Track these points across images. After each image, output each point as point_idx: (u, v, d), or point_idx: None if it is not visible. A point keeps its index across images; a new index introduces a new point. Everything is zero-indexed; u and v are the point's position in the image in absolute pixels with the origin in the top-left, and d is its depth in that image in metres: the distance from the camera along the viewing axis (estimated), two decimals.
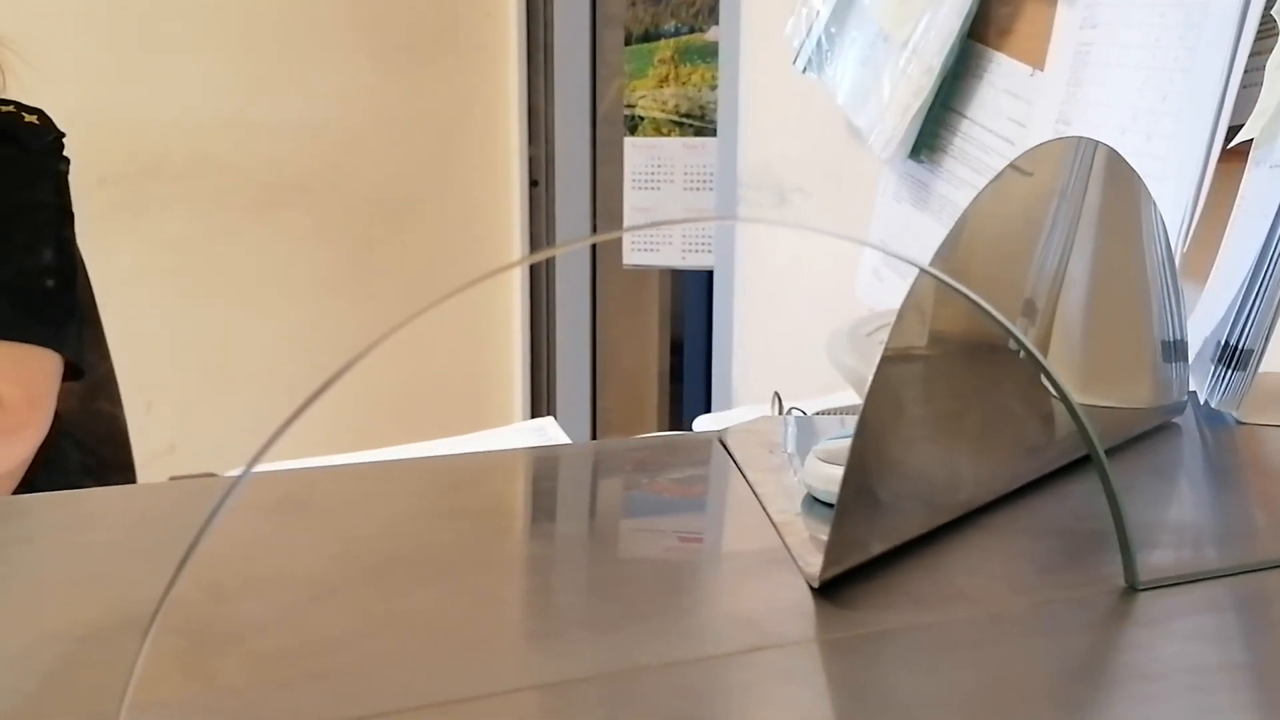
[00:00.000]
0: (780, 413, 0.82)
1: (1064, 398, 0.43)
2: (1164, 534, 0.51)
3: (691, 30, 2.19)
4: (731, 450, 0.63)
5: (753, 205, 1.71)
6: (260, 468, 0.32)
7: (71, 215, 1.13)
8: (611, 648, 0.39)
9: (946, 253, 0.48)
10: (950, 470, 0.53)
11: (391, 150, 2.64)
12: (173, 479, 1.22)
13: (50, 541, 0.52)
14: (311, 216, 2.60)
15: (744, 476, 0.58)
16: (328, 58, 2.55)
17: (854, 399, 0.78)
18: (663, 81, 2.22)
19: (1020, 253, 0.56)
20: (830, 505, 0.52)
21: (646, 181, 2.24)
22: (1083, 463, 0.58)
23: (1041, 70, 1.07)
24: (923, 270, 0.42)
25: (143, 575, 0.47)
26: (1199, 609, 0.43)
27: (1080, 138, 0.58)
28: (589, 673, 0.38)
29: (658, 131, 2.22)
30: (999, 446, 0.56)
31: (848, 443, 0.45)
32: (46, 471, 1.11)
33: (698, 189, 2.20)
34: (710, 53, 2.13)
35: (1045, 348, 0.58)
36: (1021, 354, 0.54)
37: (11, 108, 1.10)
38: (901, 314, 0.46)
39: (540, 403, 2.81)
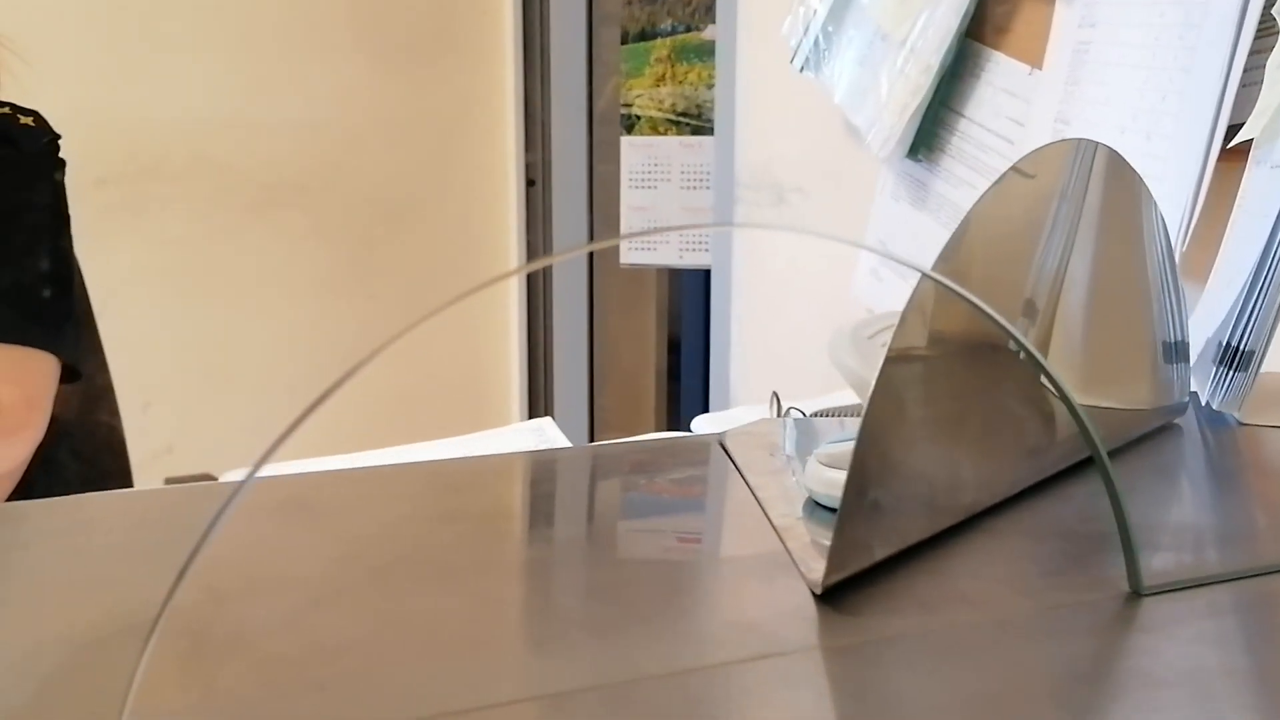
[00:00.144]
0: (779, 413, 0.82)
1: (1067, 401, 0.42)
2: (1167, 537, 0.51)
3: (688, 29, 2.19)
4: (732, 453, 0.63)
5: (750, 204, 1.71)
6: (260, 472, 0.31)
7: (68, 218, 1.13)
8: (614, 655, 0.39)
9: (949, 255, 0.48)
10: (953, 473, 0.53)
11: (389, 150, 2.64)
12: (169, 481, 1.22)
13: (49, 547, 0.52)
14: (310, 216, 2.59)
15: (744, 480, 0.58)
16: (326, 58, 2.55)
17: (852, 398, 0.78)
18: (659, 80, 2.22)
19: (1021, 255, 0.56)
20: (831, 509, 0.52)
21: (643, 180, 2.24)
22: (1085, 464, 0.58)
23: (1040, 69, 1.07)
24: (924, 274, 0.42)
25: (142, 580, 0.47)
26: (1203, 614, 0.43)
27: (1081, 139, 0.58)
28: (592, 681, 0.37)
29: (654, 130, 2.22)
30: (1002, 449, 0.56)
31: (848, 446, 0.44)
32: (44, 479, 1.11)
33: (695, 188, 2.20)
34: (707, 51, 2.13)
35: (1046, 349, 0.58)
36: (1022, 356, 0.54)
37: (7, 109, 1.10)
38: (904, 317, 0.46)
39: (538, 402, 2.81)
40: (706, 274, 1.99)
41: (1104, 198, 0.60)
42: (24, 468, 1.06)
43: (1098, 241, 0.60)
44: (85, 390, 1.26)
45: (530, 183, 2.71)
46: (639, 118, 2.24)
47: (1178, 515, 0.57)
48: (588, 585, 0.48)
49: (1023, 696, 0.37)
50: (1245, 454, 0.67)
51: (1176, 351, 0.68)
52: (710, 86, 2.11)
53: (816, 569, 0.45)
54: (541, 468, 0.65)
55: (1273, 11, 0.78)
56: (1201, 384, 0.72)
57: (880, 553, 0.46)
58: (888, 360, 0.45)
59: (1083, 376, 0.61)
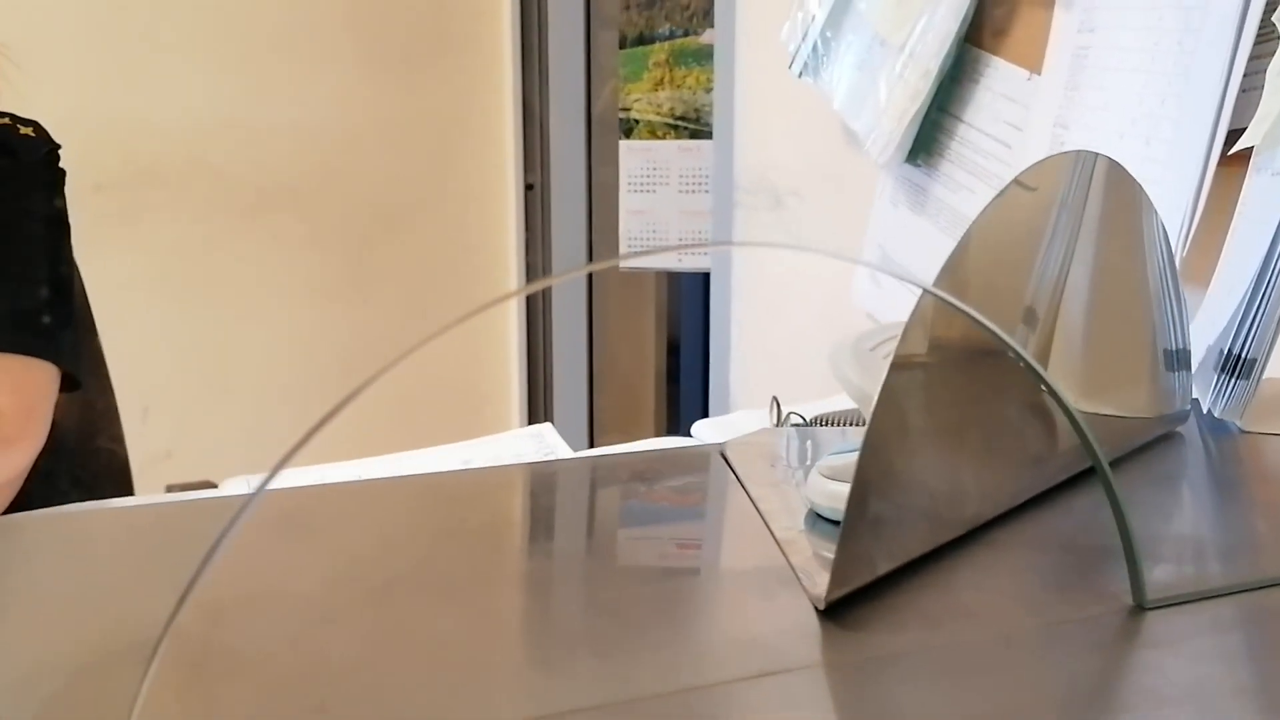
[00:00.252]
0: (779, 418, 0.82)
1: (1069, 414, 0.42)
2: (1170, 548, 0.51)
3: (686, 33, 2.19)
4: (733, 464, 0.62)
5: (749, 209, 1.71)
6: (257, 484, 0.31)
7: (68, 227, 1.13)
8: (616, 674, 0.39)
9: (952, 269, 0.48)
10: (956, 486, 0.52)
11: (387, 154, 2.63)
12: (169, 488, 1.21)
13: (50, 563, 0.51)
14: (308, 221, 2.59)
15: (746, 492, 0.58)
16: (323, 62, 2.54)
17: (851, 404, 0.78)
18: (657, 84, 2.21)
19: (1022, 265, 0.56)
20: (834, 522, 0.52)
21: (642, 184, 2.23)
22: (1088, 474, 0.58)
23: (1039, 74, 1.07)
24: (925, 290, 0.42)
25: (143, 598, 0.47)
26: (1207, 629, 0.42)
27: (1081, 150, 0.58)
28: (594, 700, 0.37)
29: (653, 134, 2.22)
30: (1005, 461, 0.56)
31: (850, 458, 0.44)
32: (43, 499, 1.11)
33: (693, 192, 2.20)
34: (705, 55, 2.13)
35: (1047, 358, 0.58)
36: (1023, 366, 0.54)
37: (7, 120, 1.09)
38: (907, 331, 0.46)
39: (537, 406, 2.81)
40: (705, 277, 1.99)
41: (1104, 207, 0.60)
42: (23, 478, 1.06)
43: (1098, 250, 0.60)
44: (86, 414, 1.26)
45: (528, 187, 2.71)
46: (637, 122, 2.23)
47: (1180, 526, 0.57)
48: (589, 601, 0.48)
49: (1027, 715, 0.37)
50: (1248, 463, 0.66)
51: (1178, 359, 0.68)
52: (708, 91, 2.11)
53: (820, 583, 0.45)
54: (542, 480, 0.64)
55: (1274, 19, 0.78)
56: (1203, 392, 0.72)
57: (883, 567, 0.46)
58: (890, 374, 0.44)
59: (1084, 385, 0.61)
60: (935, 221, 1.23)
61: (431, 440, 0.92)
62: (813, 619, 0.43)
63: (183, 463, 2.47)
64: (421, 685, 0.38)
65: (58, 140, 1.12)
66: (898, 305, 1.29)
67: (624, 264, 2.31)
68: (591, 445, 2.65)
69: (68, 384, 1.10)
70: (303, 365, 2.60)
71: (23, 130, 1.10)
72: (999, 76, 1.13)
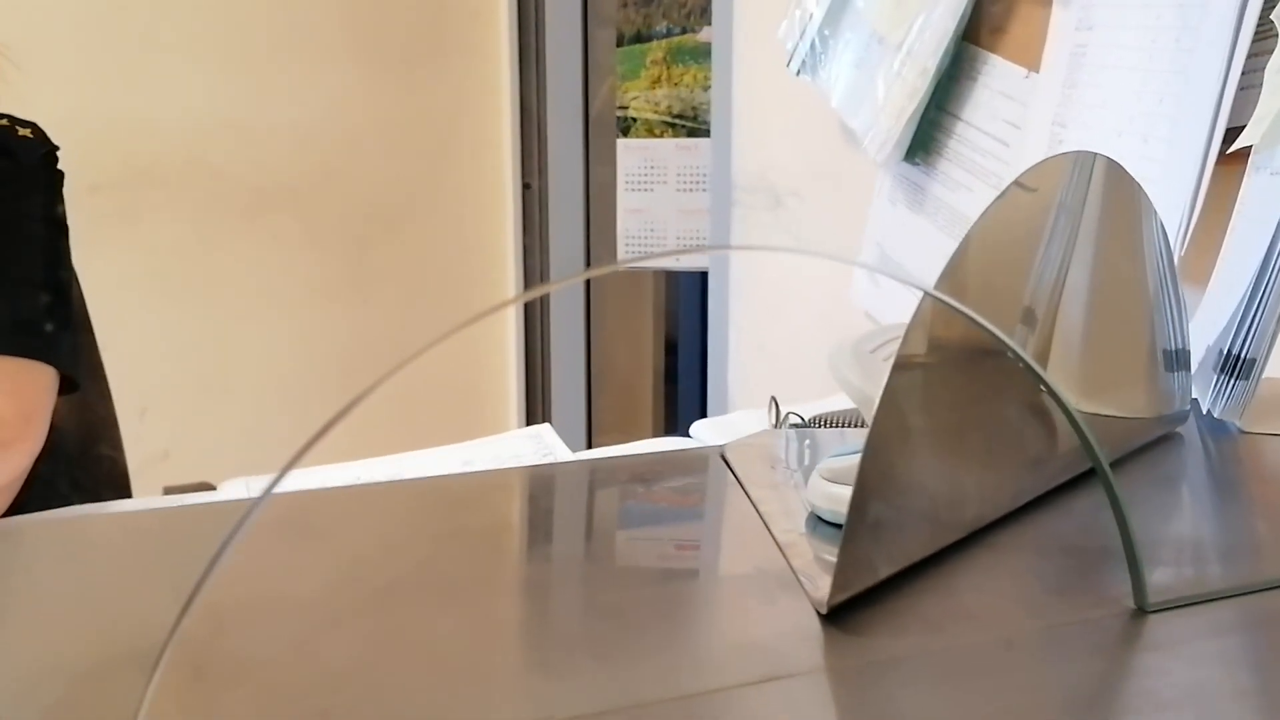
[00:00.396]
0: (777, 419, 0.82)
1: (1070, 416, 0.42)
2: (1171, 551, 0.51)
3: (683, 31, 2.19)
4: (733, 466, 0.62)
5: (747, 207, 1.71)
6: (260, 486, 0.31)
7: (66, 229, 1.12)
8: (618, 679, 0.39)
9: (952, 272, 0.48)
10: (957, 488, 0.52)
11: (384, 154, 2.63)
12: (167, 490, 1.21)
13: (51, 569, 0.51)
14: (305, 221, 2.59)
15: (747, 494, 0.58)
16: (320, 62, 2.54)
17: (850, 403, 0.78)
18: (655, 83, 2.21)
19: (1022, 267, 0.56)
20: (835, 525, 0.52)
21: (640, 183, 2.23)
22: (1088, 475, 0.58)
23: (1037, 72, 1.07)
24: (926, 293, 0.42)
25: (144, 604, 0.47)
26: (1209, 632, 0.42)
27: (1080, 151, 0.58)
28: (595, 707, 0.37)
29: (650, 133, 2.22)
30: (1006, 463, 0.56)
31: (851, 461, 0.44)
32: (42, 506, 1.10)
33: (691, 190, 2.20)
34: (702, 54, 2.13)
35: (1046, 358, 0.58)
36: (1023, 367, 0.53)
37: (5, 121, 1.09)
38: (908, 333, 0.46)
39: (536, 406, 2.81)
40: (703, 276, 1.99)
41: (1103, 208, 0.60)
42: (21, 481, 1.06)
43: (1097, 251, 0.60)
44: (86, 420, 1.26)
45: (526, 186, 2.71)
46: (635, 120, 2.23)
47: (1181, 528, 0.57)
48: (590, 605, 0.48)
49: (1029, 718, 0.37)
50: (1247, 463, 0.66)
51: (1177, 359, 0.68)
52: (706, 89, 2.11)
53: (821, 587, 0.45)
54: (541, 483, 0.64)
55: (1272, 18, 0.78)
56: (1202, 392, 0.72)
57: (885, 570, 0.46)
58: (892, 376, 0.44)
59: (1083, 386, 0.61)
60: (934, 220, 1.23)
61: (431, 441, 0.92)
62: (814, 623, 0.43)
63: (180, 463, 2.47)
64: (423, 690, 0.38)
65: (56, 141, 1.12)
66: (896, 305, 1.29)
67: (624, 265, 2.31)
68: (590, 446, 2.66)
69: (66, 386, 1.10)
70: (301, 366, 2.60)
71: (21, 132, 1.09)
72: (997, 74, 1.13)
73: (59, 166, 1.12)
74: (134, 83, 2.40)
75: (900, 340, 0.45)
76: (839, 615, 0.43)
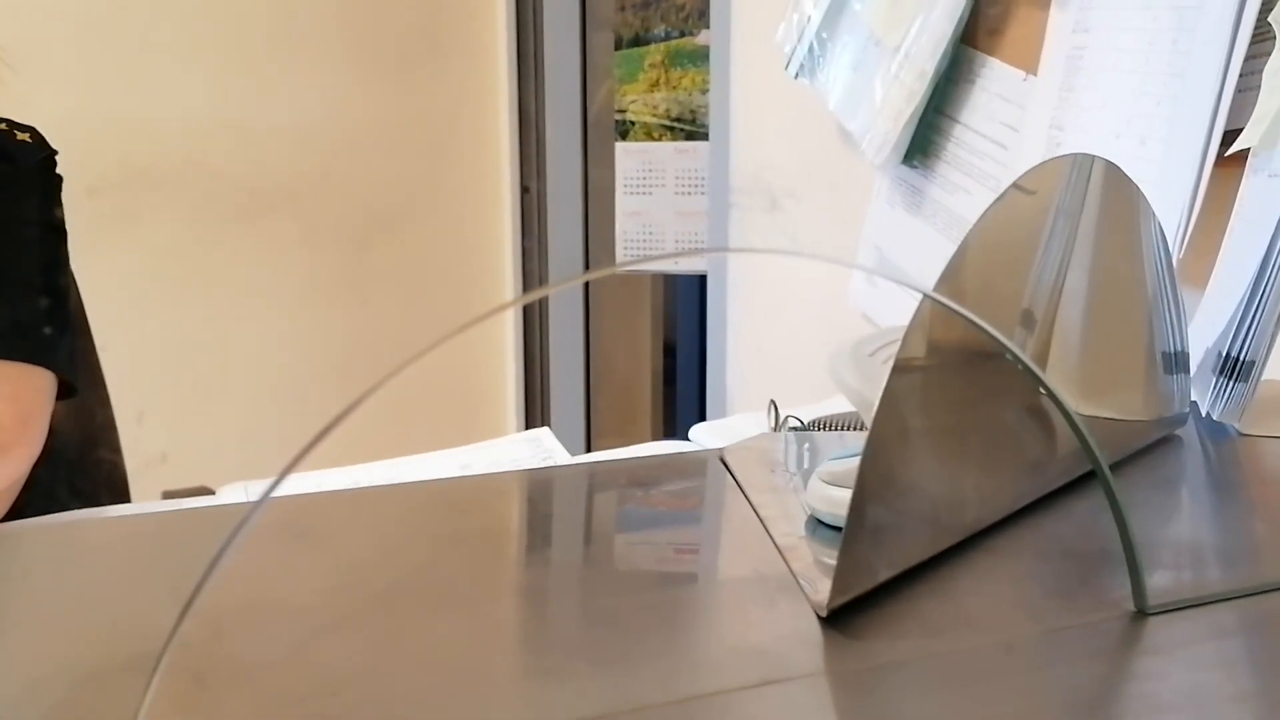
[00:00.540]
0: (776, 422, 0.82)
1: (1070, 419, 0.42)
2: (1170, 553, 0.51)
3: (681, 34, 2.19)
4: (732, 469, 0.62)
5: (745, 210, 1.71)
6: (259, 490, 0.31)
7: (64, 233, 1.12)
8: (617, 684, 0.39)
9: (951, 275, 0.48)
10: (957, 491, 0.52)
11: (382, 156, 2.63)
12: (165, 494, 1.21)
13: (49, 574, 0.51)
14: (303, 223, 2.59)
15: (746, 498, 0.58)
16: (318, 63, 2.54)
17: (849, 406, 0.78)
18: (653, 86, 2.21)
19: (1021, 270, 0.56)
20: (834, 528, 0.52)
21: (638, 186, 2.23)
22: (1087, 478, 0.58)
23: (1034, 75, 1.07)
24: (925, 295, 0.42)
25: (143, 609, 0.46)
26: (1209, 634, 0.42)
27: (1078, 154, 0.58)
28: (595, 711, 0.37)
29: (649, 136, 2.22)
30: (1006, 466, 0.56)
31: (850, 464, 0.44)
32: (42, 510, 1.10)
33: (689, 193, 2.20)
34: (701, 57, 2.13)
35: (1045, 361, 0.58)
36: (1021, 369, 0.53)
37: (3, 125, 1.09)
38: (907, 336, 0.45)
39: (534, 408, 2.80)
40: (702, 279, 1.99)
41: (1102, 210, 0.60)
42: (20, 485, 1.06)
43: (1096, 254, 0.60)
44: (85, 425, 1.26)
45: (524, 189, 2.71)
46: (633, 123, 2.23)
47: (1180, 530, 0.57)
48: (589, 610, 0.48)
49: None
50: (1246, 466, 0.66)
51: (1176, 362, 0.68)
52: (704, 92, 2.11)
53: (821, 590, 0.45)
54: (540, 487, 0.64)
55: (1269, 19, 0.78)
56: (1201, 395, 0.72)
57: (885, 573, 0.46)
58: (891, 379, 0.44)
59: (1082, 388, 0.61)
60: (932, 222, 1.23)
61: (429, 445, 0.92)
62: (814, 626, 0.43)
63: (178, 466, 2.46)
64: (422, 694, 0.38)
65: (53, 143, 1.12)
66: (894, 307, 1.29)
67: (622, 269, 2.31)
68: (589, 449, 2.65)
69: (64, 391, 1.10)
70: (299, 368, 2.60)
71: (20, 136, 1.09)
72: (995, 77, 1.13)
73: (57, 171, 1.12)
74: (131, 84, 2.40)
75: (899, 343, 0.45)
76: (838, 619, 0.43)
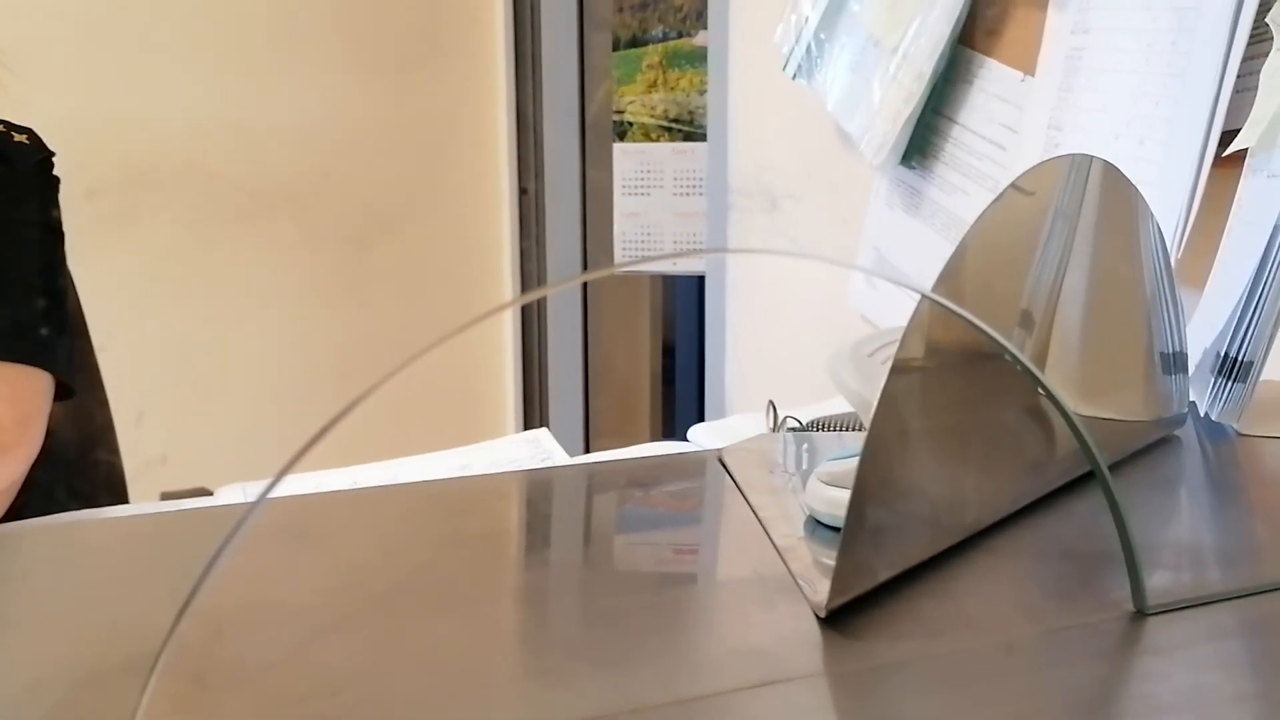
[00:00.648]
0: (775, 422, 0.82)
1: (1069, 419, 0.42)
2: (1169, 554, 0.51)
3: (679, 35, 2.19)
4: (731, 470, 0.62)
5: (743, 211, 1.71)
6: (257, 491, 0.31)
7: (62, 235, 1.12)
8: (617, 685, 0.39)
9: (949, 276, 0.48)
10: (956, 492, 0.52)
11: (380, 158, 2.63)
12: (164, 495, 1.21)
13: (48, 574, 0.51)
14: (302, 225, 2.59)
15: (745, 499, 0.58)
16: (317, 65, 2.54)
17: (848, 406, 0.78)
18: (651, 87, 2.21)
19: (1020, 271, 0.56)
20: (833, 528, 0.52)
21: (636, 187, 2.23)
22: (1086, 479, 0.58)
23: (1033, 76, 1.07)
24: (924, 296, 0.42)
25: (142, 609, 0.46)
26: (1209, 635, 0.42)
27: (1077, 154, 0.58)
28: (594, 712, 0.37)
29: (647, 137, 2.22)
30: (1005, 466, 0.56)
31: (849, 464, 0.44)
32: (40, 512, 1.10)
33: (687, 194, 2.20)
34: (698, 57, 2.13)
35: (1043, 362, 0.58)
36: (1020, 369, 0.53)
37: (1, 127, 1.09)
38: (905, 337, 0.46)
39: (533, 409, 2.80)
40: (700, 279, 1.99)
41: (1100, 211, 0.60)
42: (18, 486, 1.06)
43: (1094, 254, 0.60)
44: (84, 427, 1.25)
45: (523, 190, 2.71)
46: (631, 124, 2.23)
47: (1179, 531, 0.57)
48: (588, 610, 0.48)
49: None
50: (1245, 466, 0.66)
51: (1175, 362, 0.68)
52: (702, 93, 2.11)
53: (820, 591, 0.45)
54: (539, 487, 0.64)
55: (1267, 20, 0.78)
56: (1200, 395, 0.72)
57: (884, 574, 0.46)
58: (890, 379, 0.44)
59: (1081, 389, 0.61)
60: (930, 223, 1.23)
61: (427, 446, 0.92)
62: (813, 627, 0.43)
63: (177, 467, 2.46)
64: (421, 695, 0.38)
65: (52, 145, 1.12)
66: (893, 307, 1.29)
67: (620, 269, 2.31)
68: (587, 450, 2.65)
69: (62, 392, 1.10)
70: (298, 369, 2.60)
71: (17, 138, 1.09)
72: (993, 78, 1.13)
73: (55, 172, 1.12)
74: (131, 85, 2.40)
75: (898, 343, 0.45)
76: (838, 619, 0.43)
